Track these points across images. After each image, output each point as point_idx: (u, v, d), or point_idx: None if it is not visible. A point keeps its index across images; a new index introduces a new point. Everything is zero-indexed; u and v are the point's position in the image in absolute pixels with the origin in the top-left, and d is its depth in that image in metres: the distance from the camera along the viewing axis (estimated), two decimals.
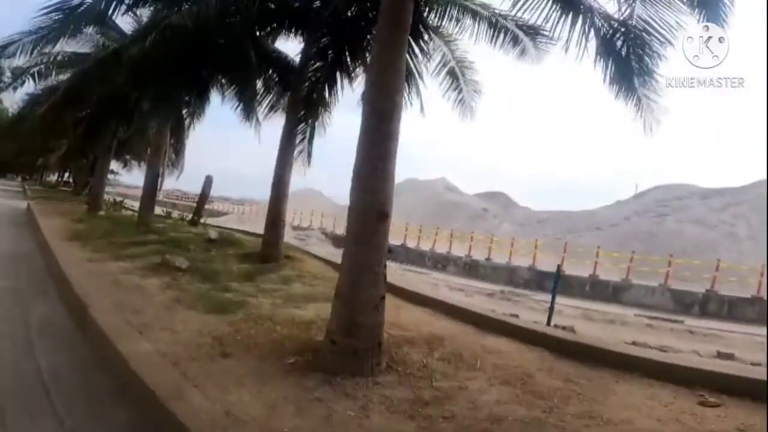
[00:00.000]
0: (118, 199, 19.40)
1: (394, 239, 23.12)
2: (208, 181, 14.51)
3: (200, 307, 4.24)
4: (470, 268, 18.85)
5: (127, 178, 37.55)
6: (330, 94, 7.40)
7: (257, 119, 12.57)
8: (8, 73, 23.07)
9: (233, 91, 11.83)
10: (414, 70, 7.58)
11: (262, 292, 5.31)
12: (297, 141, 7.56)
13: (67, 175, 39.37)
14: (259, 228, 18.38)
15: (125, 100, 13.59)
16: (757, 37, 3.77)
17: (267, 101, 10.49)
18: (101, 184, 15.26)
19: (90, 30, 12.54)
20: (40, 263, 6.29)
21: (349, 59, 7.55)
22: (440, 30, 7.54)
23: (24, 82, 14.32)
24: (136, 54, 7.93)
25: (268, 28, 9.35)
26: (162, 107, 10.28)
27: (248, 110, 9.01)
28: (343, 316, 3.18)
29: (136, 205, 21.62)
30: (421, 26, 6.75)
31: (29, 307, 4.29)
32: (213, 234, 9.35)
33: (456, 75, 8.19)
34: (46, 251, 6.68)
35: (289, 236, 20.38)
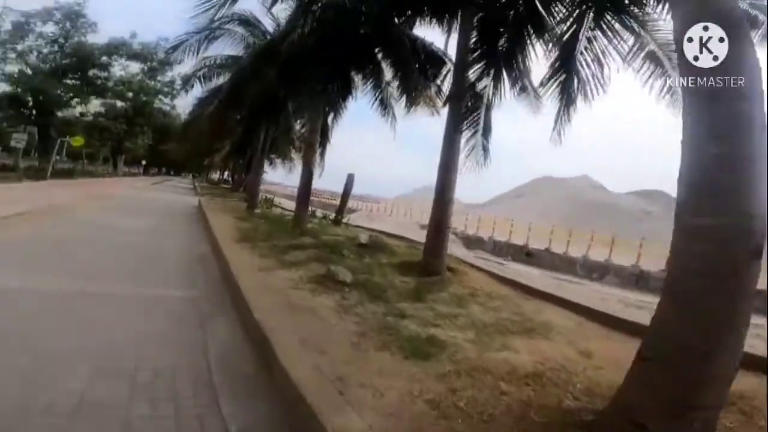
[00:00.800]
0: (269, 196, 20.95)
1: (535, 242, 20.94)
2: (350, 180, 14.43)
3: (392, 346, 3.41)
4: (638, 280, 15.74)
5: (271, 176, 41.59)
6: (509, 75, 6.18)
7: (393, 114, 12.01)
8: (179, 81, 27.13)
9: (370, 85, 11.48)
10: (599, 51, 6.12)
11: (442, 318, 4.42)
12: (459, 138, 6.55)
13: (226, 173, 45.28)
14: (389, 227, 18.19)
15: (275, 100, 14.31)
16: None
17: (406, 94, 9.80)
18: (257, 183, 16.33)
19: (240, 30, 13.41)
20: (215, 269, 6.32)
21: (532, 35, 6.25)
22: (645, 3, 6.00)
23: (192, 86, 16.05)
24: (291, 45, 7.87)
25: (407, 13, 8.58)
26: (313, 101, 10.27)
27: (410, 102, 8.26)
28: (668, 391, 1.98)
29: (283, 202, 23.36)
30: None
31: (208, 329, 3.96)
32: (363, 238, 8.91)
33: (659, 60, 6.41)
34: (218, 254, 6.77)
35: (418, 235, 19.71)
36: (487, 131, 6.41)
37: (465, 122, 6.35)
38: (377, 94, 11.33)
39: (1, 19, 20.56)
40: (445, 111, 9.75)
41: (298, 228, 9.26)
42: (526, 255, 19.19)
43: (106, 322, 3.79)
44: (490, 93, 6.45)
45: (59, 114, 27.14)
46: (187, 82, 16.58)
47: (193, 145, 27.59)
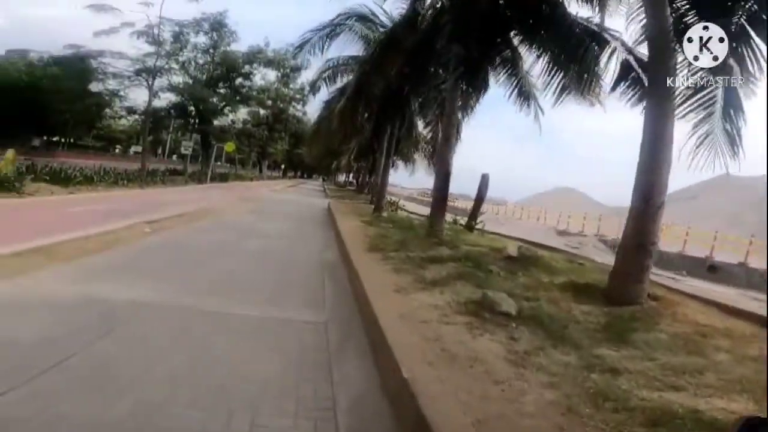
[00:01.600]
0: (393, 199, 20.46)
1: (722, 254, 16.52)
2: (485, 181, 12.85)
3: None
4: None
5: (390, 177, 41.97)
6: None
7: (538, 106, 10.16)
8: (307, 88, 28.13)
9: (504, 74, 9.86)
10: None
11: (675, 374, 2.85)
12: (670, 127, 4.63)
13: (351, 176, 47.29)
14: (524, 234, 16.02)
15: (398, 97, 13.61)
16: None
17: (556, 81, 7.96)
18: (384, 185, 15.82)
19: (359, 26, 12.99)
20: (344, 282, 5.54)
21: None
22: None
23: (319, 88, 16.29)
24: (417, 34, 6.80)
25: None
26: (443, 92, 9.14)
27: (582, 87, 6.51)
28: None
29: (406, 205, 22.75)
30: None
31: (337, 375, 3.01)
32: (511, 249, 7.37)
33: None
34: (348, 264, 6.01)
35: (557, 242, 17.02)
36: (736, 111, 4.31)
37: (687, 104, 4.41)
38: (514, 83, 9.76)
39: (160, 30, 22.34)
40: (607, 100, 7.76)
41: (434, 236, 8.12)
42: (708, 269, 15.14)
43: (220, 357, 3.07)
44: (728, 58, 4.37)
45: (215, 122, 30.28)
46: (314, 85, 17.00)
47: (322, 148, 28.75)
